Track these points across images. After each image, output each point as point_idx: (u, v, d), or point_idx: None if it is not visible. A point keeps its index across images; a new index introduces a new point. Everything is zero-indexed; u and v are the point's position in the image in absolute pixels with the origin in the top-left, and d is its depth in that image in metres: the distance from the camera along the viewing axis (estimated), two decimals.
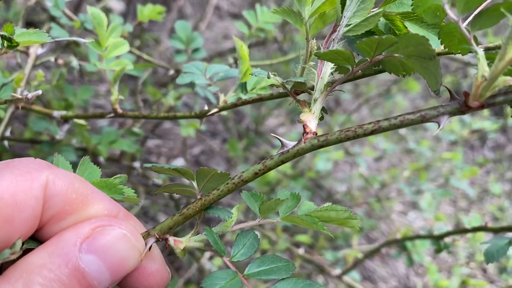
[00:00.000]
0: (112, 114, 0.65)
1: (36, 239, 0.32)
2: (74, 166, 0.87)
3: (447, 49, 0.37)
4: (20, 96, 0.53)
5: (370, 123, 0.35)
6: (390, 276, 1.77)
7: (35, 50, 0.73)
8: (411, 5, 0.36)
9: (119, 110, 0.64)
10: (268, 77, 0.35)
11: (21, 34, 0.42)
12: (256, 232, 0.37)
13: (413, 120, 0.34)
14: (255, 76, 0.46)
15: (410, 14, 0.39)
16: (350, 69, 0.36)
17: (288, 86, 0.38)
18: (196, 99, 1.26)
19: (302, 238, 1.33)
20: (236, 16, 2.01)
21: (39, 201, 0.30)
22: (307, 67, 0.38)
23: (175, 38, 0.78)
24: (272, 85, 0.47)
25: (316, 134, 0.36)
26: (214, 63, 1.37)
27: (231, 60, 0.85)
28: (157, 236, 0.34)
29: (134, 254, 0.32)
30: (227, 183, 0.35)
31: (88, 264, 0.30)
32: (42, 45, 0.73)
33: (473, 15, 0.32)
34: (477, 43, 0.34)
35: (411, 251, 1.11)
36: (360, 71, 0.39)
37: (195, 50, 0.79)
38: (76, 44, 0.81)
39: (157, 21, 0.85)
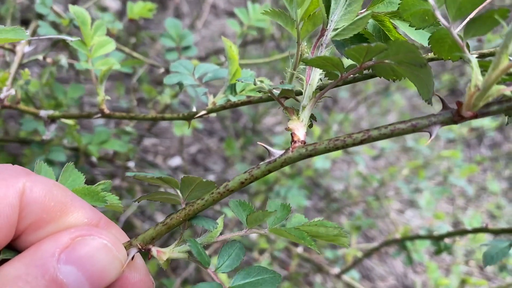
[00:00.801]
0: (99, 115, 0.63)
1: (13, 248, 0.31)
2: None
3: (437, 55, 0.35)
4: None
5: (359, 132, 0.33)
6: (388, 275, 1.77)
7: (22, 49, 0.71)
8: (398, 9, 0.35)
9: (106, 111, 0.63)
10: (254, 84, 0.33)
11: None
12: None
13: (404, 129, 0.33)
14: (242, 82, 0.45)
15: (399, 13, 0.37)
16: (339, 75, 0.35)
17: (276, 93, 0.37)
18: (192, 98, 1.24)
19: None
20: (233, 14, 1.99)
21: (14, 208, 0.29)
22: (296, 73, 0.37)
23: (166, 36, 0.76)
24: (259, 91, 0.45)
25: (304, 142, 0.35)
26: (210, 61, 1.36)
27: (223, 59, 0.84)
28: (140, 247, 0.33)
29: (115, 265, 0.31)
30: (212, 193, 0.34)
31: (66, 276, 0.29)
32: (29, 43, 0.71)
33: (465, 21, 0.31)
34: (469, 51, 0.32)
35: (411, 250, 1.11)
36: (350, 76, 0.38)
37: (186, 48, 0.77)
38: (65, 42, 0.80)
39: (154, 19, 0.83)
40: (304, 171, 1.39)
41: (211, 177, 1.56)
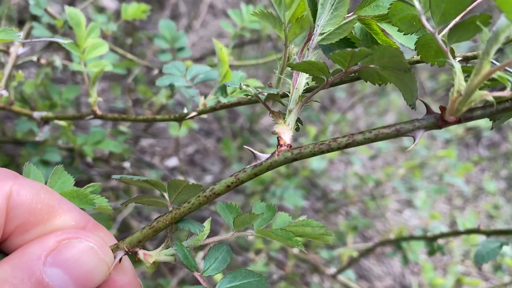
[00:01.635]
0: (91, 116, 0.64)
1: (0, 251, 0.31)
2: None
3: (423, 60, 0.35)
4: None
5: (344, 136, 0.34)
6: (385, 275, 1.77)
7: (16, 50, 0.71)
8: (387, 13, 0.35)
9: (98, 112, 0.63)
10: (240, 88, 0.34)
11: None
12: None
13: (388, 134, 0.33)
14: (228, 85, 0.45)
15: (387, 16, 0.38)
16: (325, 79, 0.35)
17: (262, 97, 0.37)
18: (188, 99, 1.25)
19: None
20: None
21: (1, 211, 0.29)
22: (283, 77, 0.37)
23: (159, 38, 0.77)
24: (246, 94, 0.46)
25: (290, 146, 0.35)
26: (207, 61, 1.36)
27: (216, 60, 0.84)
28: (126, 249, 0.33)
29: (102, 267, 0.31)
30: (199, 196, 0.35)
31: (52, 278, 0.29)
32: (23, 44, 0.72)
33: (449, 27, 0.31)
34: (454, 56, 0.32)
35: (406, 249, 1.11)
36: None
37: (180, 49, 0.78)
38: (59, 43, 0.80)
39: (152, 19, 0.84)
40: (301, 171, 1.39)
41: (209, 178, 1.56)
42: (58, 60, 0.78)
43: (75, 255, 0.30)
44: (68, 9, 0.63)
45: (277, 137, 0.35)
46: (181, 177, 1.36)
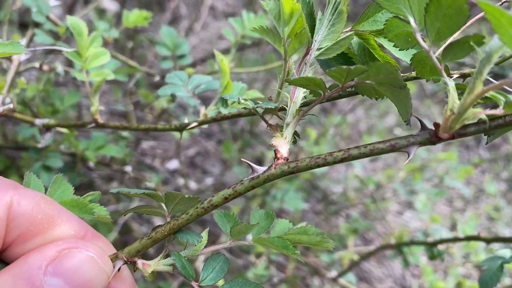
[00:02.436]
0: (93, 124, 0.65)
1: (0, 261, 0.32)
2: (62, 172, 0.87)
3: (419, 76, 0.36)
4: None
5: (340, 151, 0.34)
6: (386, 277, 1.77)
7: (18, 57, 0.72)
8: (384, 30, 0.36)
9: (100, 121, 0.64)
10: (239, 102, 0.34)
11: None
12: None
13: (383, 149, 0.33)
14: (228, 99, 0.46)
15: (384, 31, 0.38)
16: (322, 94, 0.36)
17: (261, 110, 0.37)
18: (191, 106, 1.25)
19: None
20: (231, 16, 1.99)
21: (2, 221, 0.30)
22: (283, 91, 0.37)
23: (161, 45, 0.77)
24: (245, 108, 0.46)
25: (287, 159, 0.36)
26: (208, 64, 1.36)
27: (216, 65, 0.85)
28: (125, 259, 0.34)
29: (101, 277, 0.32)
30: (197, 207, 0.35)
31: None
32: (27, 50, 0.72)
33: (444, 46, 0.32)
34: (448, 73, 0.33)
35: (406, 252, 1.12)
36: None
37: (181, 56, 0.78)
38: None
39: (152, 21, 0.84)
40: (301, 174, 1.40)
41: (209, 180, 1.57)
42: (60, 67, 0.79)
43: (75, 265, 0.30)
44: (70, 18, 0.64)
45: (274, 150, 0.36)
46: (181, 180, 1.37)
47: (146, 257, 0.36)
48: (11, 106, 0.50)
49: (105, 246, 0.35)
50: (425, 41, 0.32)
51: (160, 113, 1.16)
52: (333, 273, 1.13)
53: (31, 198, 0.32)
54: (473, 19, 0.38)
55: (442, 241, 0.80)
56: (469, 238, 0.71)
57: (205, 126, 0.59)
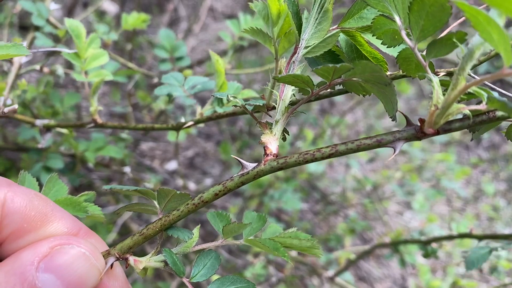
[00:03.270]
0: (92, 124, 0.65)
1: None
2: (62, 173, 0.87)
3: (405, 73, 0.37)
4: None
5: (327, 146, 0.35)
6: (385, 277, 1.77)
7: (19, 59, 0.73)
8: (370, 25, 0.36)
9: (99, 121, 0.65)
10: (228, 100, 0.35)
11: None
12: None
13: (369, 144, 0.34)
14: (217, 97, 0.46)
15: (370, 28, 0.39)
16: (310, 91, 0.37)
17: (250, 108, 0.38)
18: (188, 106, 1.26)
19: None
20: (231, 17, 2.00)
21: None
22: (275, 91, 0.38)
23: (159, 47, 0.78)
24: (235, 105, 0.47)
25: (277, 156, 0.36)
26: (206, 65, 1.37)
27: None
28: (117, 256, 0.35)
29: (93, 273, 0.32)
30: (187, 204, 0.36)
31: (45, 283, 0.30)
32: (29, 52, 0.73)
33: (428, 43, 0.32)
34: (433, 70, 0.34)
35: (403, 252, 1.12)
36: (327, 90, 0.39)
37: (179, 58, 0.79)
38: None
39: (152, 23, 0.85)
40: (299, 175, 1.40)
41: (209, 181, 1.58)
42: (60, 69, 0.80)
43: (67, 261, 0.31)
44: (68, 21, 0.65)
45: (264, 147, 0.37)
46: (180, 181, 1.38)
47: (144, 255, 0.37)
48: (16, 107, 0.51)
49: (97, 243, 0.35)
50: (410, 39, 0.33)
51: (158, 114, 1.17)
52: (330, 273, 1.13)
53: (25, 196, 0.32)
54: (462, 18, 0.39)
55: (435, 239, 0.81)
56: (461, 236, 0.72)
57: (204, 126, 0.60)
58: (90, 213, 0.38)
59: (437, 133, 0.33)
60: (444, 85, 0.34)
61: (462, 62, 0.30)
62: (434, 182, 1.68)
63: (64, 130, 0.74)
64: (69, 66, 1.05)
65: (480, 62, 0.37)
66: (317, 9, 0.36)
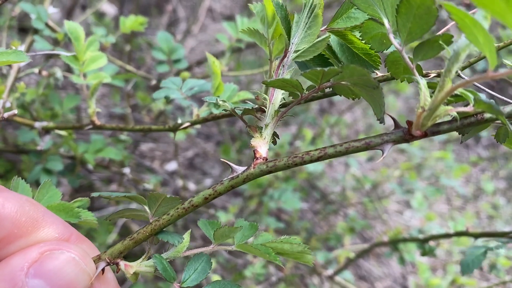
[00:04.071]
0: (90, 126, 0.66)
1: None
2: (62, 174, 0.87)
3: (394, 76, 0.37)
4: None
5: (316, 149, 0.35)
6: (385, 276, 1.77)
7: (18, 63, 0.74)
8: (359, 27, 0.37)
9: (97, 122, 0.65)
10: (217, 104, 0.35)
11: None
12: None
13: (358, 147, 0.34)
14: (207, 101, 0.47)
15: (358, 26, 0.39)
16: (300, 95, 0.37)
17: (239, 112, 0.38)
18: (187, 107, 1.26)
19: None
20: (230, 18, 2.01)
21: None
22: (264, 95, 0.38)
23: (157, 50, 0.78)
24: (225, 109, 0.47)
25: (266, 159, 0.37)
26: (205, 67, 1.37)
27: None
28: (108, 260, 0.35)
29: (83, 278, 0.32)
30: (177, 208, 0.36)
31: None
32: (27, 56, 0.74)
33: (415, 45, 0.33)
34: (421, 72, 0.34)
35: (402, 250, 1.12)
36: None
37: (177, 60, 0.79)
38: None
39: (151, 24, 0.85)
40: (298, 174, 1.40)
41: (209, 181, 1.58)
42: (59, 72, 0.80)
43: (57, 266, 0.31)
44: (68, 23, 0.65)
45: (253, 150, 0.37)
46: (180, 181, 1.38)
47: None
48: (15, 111, 0.51)
49: (89, 249, 0.35)
50: (398, 42, 0.33)
51: (158, 115, 1.17)
52: (329, 272, 1.13)
53: (16, 201, 0.32)
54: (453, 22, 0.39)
55: (432, 237, 0.81)
56: (458, 234, 0.72)
57: (204, 127, 0.60)
58: (82, 218, 0.39)
59: (425, 135, 0.33)
60: (433, 87, 0.34)
61: (448, 64, 0.30)
62: (433, 180, 1.67)
63: (63, 132, 0.74)
64: (68, 68, 1.06)
65: (470, 64, 0.37)
66: (307, 14, 0.36)
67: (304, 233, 1.43)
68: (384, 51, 0.39)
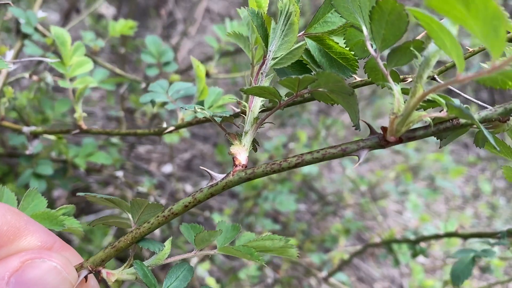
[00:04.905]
0: (77, 131, 0.66)
1: None
2: (54, 178, 0.87)
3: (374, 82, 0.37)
4: None
5: (294, 156, 0.35)
6: (384, 277, 1.77)
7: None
8: (337, 29, 0.37)
9: (84, 127, 0.66)
10: (195, 111, 0.35)
11: None
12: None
13: (334, 154, 0.34)
14: (185, 110, 0.47)
15: (335, 31, 0.39)
16: (278, 102, 0.37)
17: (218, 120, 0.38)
18: (182, 109, 1.27)
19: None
20: (229, 18, 2.00)
21: None
22: (243, 102, 0.38)
23: (146, 53, 0.79)
24: (204, 117, 0.47)
25: (246, 166, 0.37)
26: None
27: (211, 70, 0.86)
28: (90, 268, 0.35)
29: (65, 286, 0.32)
30: (158, 216, 0.36)
31: None
32: (14, 62, 0.74)
33: (388, 52, 0.33)
34: (396, 78, 0.34)
35: (397, 252, 1.12)
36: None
37: (166, 63, 0.80)
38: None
39: (149, 25, 0.86)
40: (294, 176, 1.40)
41: (205, 183, 1.58)
42: (49, 77, 0.81)
43: (37, 275, 0.31)
44: (54, 28, 0.66)
45: (233, 158, 0.37)
46: (177, 184, 1.38)
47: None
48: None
49: (72, 257, 0.35)
50: (374, 49, 0.33)
51: (151, 118, 1.18)
52: (324, 273, 1.13)
53: None
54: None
55: (423, 238, 0.81)
56: (447, 235, 0.72)
57: (201, 129, 0.60)
58: (66, 226, 0.39)
59: (400, 141, 0.33)
60: (406, 93, 0.34)
61: (419, 70, 0.31)
62: (429, 182, 1.67)
63: (52, 137, 0.74)
64: (59, 73, 1.06)
65: (447, 68, 0.37)
66: (283, 21, 0.36)
67: (301, 234, 1.43)
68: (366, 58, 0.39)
